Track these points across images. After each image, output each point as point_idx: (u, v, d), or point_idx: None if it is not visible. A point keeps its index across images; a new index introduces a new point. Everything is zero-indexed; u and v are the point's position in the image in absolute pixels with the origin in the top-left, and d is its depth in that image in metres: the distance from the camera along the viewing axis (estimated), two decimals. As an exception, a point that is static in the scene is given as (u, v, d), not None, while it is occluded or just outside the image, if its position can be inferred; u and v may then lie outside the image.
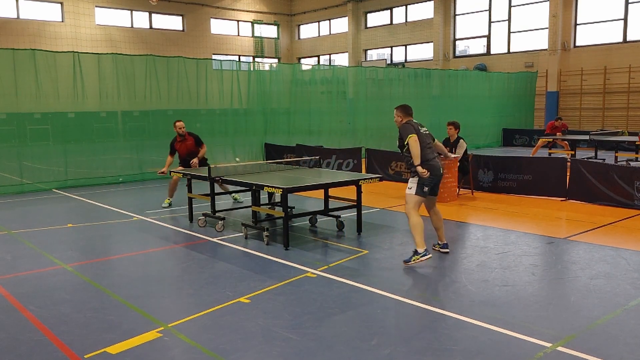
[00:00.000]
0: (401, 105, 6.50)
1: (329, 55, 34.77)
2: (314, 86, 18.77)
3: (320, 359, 3.93)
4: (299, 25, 35.77)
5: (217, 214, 8.16)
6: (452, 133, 10.11)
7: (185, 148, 9.85)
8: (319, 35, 35.01)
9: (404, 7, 30.06)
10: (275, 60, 34.03)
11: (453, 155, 9.77)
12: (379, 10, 31.36)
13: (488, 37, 26.56)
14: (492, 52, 26.48)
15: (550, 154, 15.97)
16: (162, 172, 9.78)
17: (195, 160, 9.67)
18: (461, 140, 10.12)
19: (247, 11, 33.42)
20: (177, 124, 9.87)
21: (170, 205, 9.88)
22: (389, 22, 31.01)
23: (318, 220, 8.39)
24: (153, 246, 7.33)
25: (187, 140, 9.87)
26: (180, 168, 9.70)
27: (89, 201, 10.69)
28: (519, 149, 21.19)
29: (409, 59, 30.27)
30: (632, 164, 12.32)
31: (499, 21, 26.03)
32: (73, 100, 12.94)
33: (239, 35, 33.54)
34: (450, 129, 10.14)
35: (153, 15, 29.91)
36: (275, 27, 35.19)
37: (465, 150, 10.19)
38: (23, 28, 25.22)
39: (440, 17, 27.85)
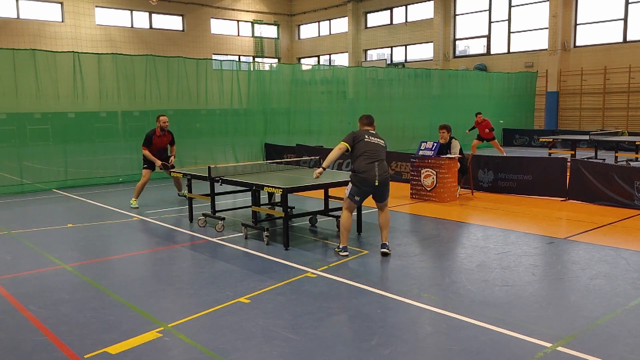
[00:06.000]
0: (362, 115, 6.81)
1: (329, 55, 34.78)
2: (314, 86, 18.77)
3: (320, 359, 3.93)
4: (299, 25, 35.77)
5: (217, 214, 8.17)
6: (446, 136, 10.16)
7: (162, 143, 10.07)
8: (319, 35, 35.01)
9: (404, 7, 30.07)
10: (275, 60, 34.04)
11: (450, 156, 9.94)
12: (379, 10, 31.36)
13: (488, 37, 26.56)
14: (492, 52, 26.49)
15: (550, 154, 15.98)
16: (161, 165, 9.88)
17: (172, 159, 10.01)
18: (454, 141, 10.18)
19: (247, 11, 33.43)
20: (162, 118, 9.98)
21: (137, 207, 9.78)
22: (389, 22, 31.02)
23: (318, 220, 8.40)
24: (153, 246, 7.33)
25: (165, 136, 10.09)
26: (147, 171, 9.93)
27: (89, 201, 10.69)
28: (519, 149, 21.19)
29: (409, 59, 30.28)
30: (632, 164, 12.33)
31: (499, 21, 26.03)
32: (73, 100, 12.94)
33: (239, 35, 33.55)
34: (443, 132, 10.17)
35: (153, 15, 29.92)
36: (275, 27, 35.19)
37: (461, 149, 10.22)
38: (23, 28, 25.22)
39: (440, 17, 27.86)
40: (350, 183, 6.49)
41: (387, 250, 6.51)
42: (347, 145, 6.40)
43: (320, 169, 6.55)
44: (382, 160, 6.42)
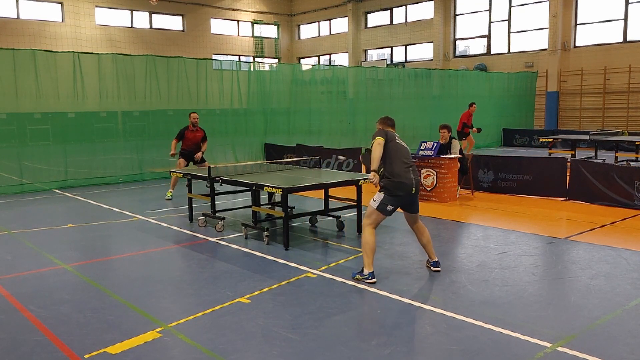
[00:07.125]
0: (382, 116, 6.09)
1: (329, 55, 34.77)
2: (314, 86, 18.77)
3: (320, 359, 3.93)
4: (299, 25, 35.77)
5: (217, 214, 8.16)
6: (446, 136, 10.16)
7: (194, 139, 10.69)
8: (319, 35, 35.00)
9: (404, 7, 30.07)
10: (275, 60, 34.04)
11: (450, 156, 9.96)
12: (379, 10, 31.36)
13: (488, 37, 26.56)
14: (492, 52, 26.48)
15: (550, 154, 15.97)
16: (173, 154, 10.57)
17: (199, 154, 10.64)
18: (454, 141, 10.20)
19: (247, 11, 33.43)
20: (193, 115, 10.71)
21: (171, 198, 10.57)
22: (389, 22, 31.02)
23: (318, 220, 8.39)
24: (153, 246, 7.33)
25: (197, 132, 10.73)
26: (182, 161, 10.59)
27: (89, 201, 10.69)
28: (519, 149, 21.19)
29: (409, 59, 30.27)
30: (632, 164, 12.32)
31: (499, 21, 26.03)
32: (73, 100, 12.93)
33: (239, 35, 33.54)
34: (444, 132, 10.16)
35: (153, 15, 29.91)
36: (275, 27, 35.18)
37: (461, 149, 10.24)
38: (23, 28, 25.21)
39: (440, 17, 27.86)
40: (380, 192, 5.65)
41: (439, 268, 5.93)
42: (384, 140, 5.59)
43: (373, 173, 5.56)
44: (414, 166, 5.85)
